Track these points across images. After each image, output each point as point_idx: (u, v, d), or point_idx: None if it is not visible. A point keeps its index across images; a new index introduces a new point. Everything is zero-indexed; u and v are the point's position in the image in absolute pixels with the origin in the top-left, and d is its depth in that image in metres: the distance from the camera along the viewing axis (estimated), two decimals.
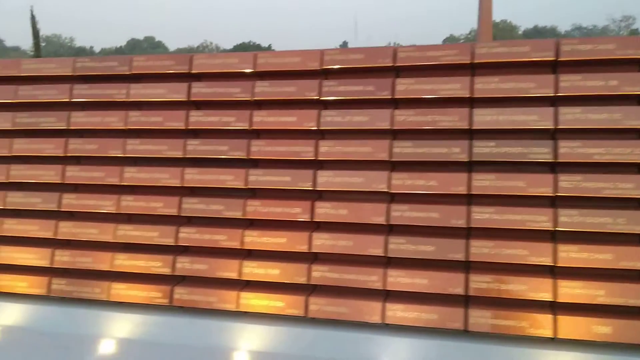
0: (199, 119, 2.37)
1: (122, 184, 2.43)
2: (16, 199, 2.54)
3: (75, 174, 2.49)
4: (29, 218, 2.52)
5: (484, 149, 2.07)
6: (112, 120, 2.47)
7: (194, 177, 2.35)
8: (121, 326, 2.31)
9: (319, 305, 2.14)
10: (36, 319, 2.41)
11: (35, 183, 2.55)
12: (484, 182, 2.06)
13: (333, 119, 2.22)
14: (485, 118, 2.07)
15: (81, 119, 2.51)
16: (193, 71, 2.41)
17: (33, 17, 17.95)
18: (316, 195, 2.27)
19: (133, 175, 2.41)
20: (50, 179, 2.51)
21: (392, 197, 2.20)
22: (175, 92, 2.41)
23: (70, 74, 2.56)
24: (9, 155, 2.58)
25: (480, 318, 2.00)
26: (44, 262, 2.46)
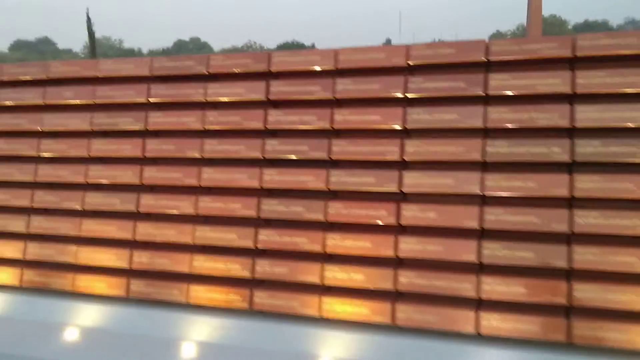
0: (278, 118, 2.30)
1: (200, 185, 2.38)
2: (95, 200, 2.53)
3: (153, 174, 2.45)
4: (107, 219, 2.51)
5: (588, 149, 1.91)
6: (190, 120, 2.43)
7: (273, 178, 2.27)
8: (200, 329, 2.25)
9: (407, 313, 2.03)
10: (115, 320, 2.38)
11: (113, 184, 2.53)
12: (587, 184, 1.90)
13: (420, 117, 2.10)
14: (589, 115, 1.91)
15: (158, 120, 2.48)
16: (272, 69, 2.33)
17: (89, 19, 18.35)
18: (401, 198, 2.15)
19: (211, 176, 2.36)
20: (128, 180, 2.49)
21: (482, 200, 2.06)
22: (253, 91, 2.35)
23: (147, 74, 2.53)
24: (88, 156, 2.57)
25: (586, 330, 1.84)
26: (122, 264, 2.44)
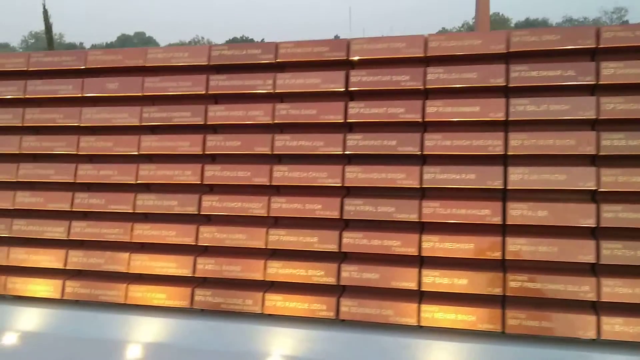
0: (360, 111, 2.06)
1: (272, 184, 2.12)
2: (148, 202, 2.24)
3: (217, 173, 2.18)
4: (164, 222, 2.22)
5: None
6: (257, 114, 2.16)
7: (357, 175, 2.04)
8: (281, 342, 2.01)
9: (519, 320, 1.84)
10: (180, 335, 2.11)
11: (169, 184, 2.25)
12: None
13: (525, 108, 1.90)
14: None
15: (220, 114, 2.20)
16: (352, 58, 2.09)
17: (45, 11, 17.32)
18: (502, 195, 1.95)
19: (284, 174, 2.11)
20: (186, 180, 2.21)
21: (593, 196, 1.88)
22: (330, 81, 2.10)
23: (204, 63, 2.25)
24: (138, 154, 2.28)
25: None
26: (184, 271, 2.16)
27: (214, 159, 2.27)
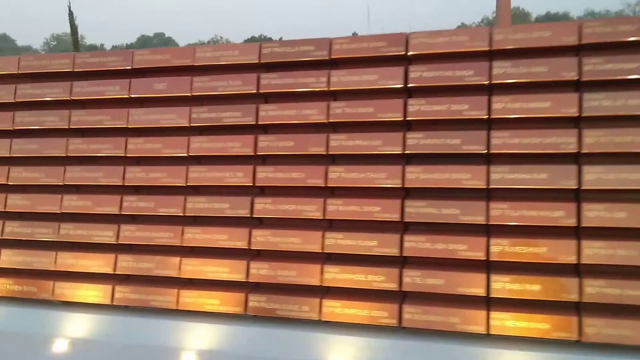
0: (421, 108, 1.95)
1: (328, 185, 2.02)
2: (199, 205, 2.17)
3: (269, 175, 2.10)
4: (215, 226, 2.14)
5: None
6: (311, 113, 2.07)
7: (418, 176, 1.93)
8: (341, 350, 1.92)
9: (597, 328, 1.72)
10: (234, 342, 2.03)
11: (220, 186, 2.17)
12: None
13: (600, 103, 1.79)
14: None
15: (272, 113, 2.12)
16: (410, 53, 1.99)
17: (71, 13, 17.42)
18: (576, 195, 1.84)
19: (340, 175, 2.01)
20: (237, 182, 2.13)
21: None
22: (388, 77, 2.00)
23: (255, 61, 2.16)
24: (187, 155, 2.20)
25: None
26: (238, 276, 2.08)
27: (264, 160, 2.19)
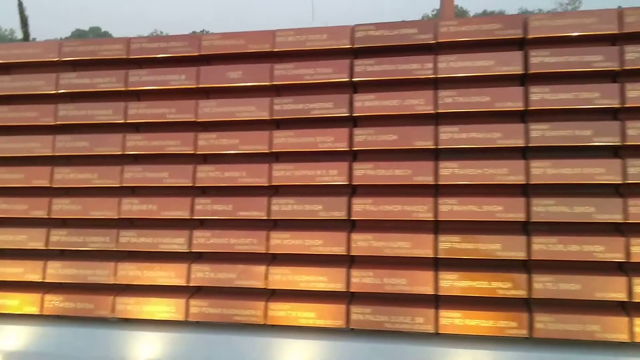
0: (544, 97, 1.74)
1: (438, 183, 1.78)
2: (286, 207, 1.89)
3: (369, 172, 1.84)
4: (307, 230, 1.87)
5: None
6: (416, 102, 1.82)
7: (545, 171, 1.72)
8: None
9: None
10: (337, 356, 1.76)
11: (310, 186, 1.90)
12: None
13: None
14: None
15: (369, 104, 1.86)
16: (529, 36, 1.76)
17: (20, 4, 16.44)
18: None
19: (453, 172, 1.78)
20: (331, 180, 1.87)
21: None
22: (505, 63, 1.77)
23: (346, 46, 1.90)
24: (269, 152, 1.92)
25: None
26: (337, 286, 1.82)
27: (355, 156, 1.92)
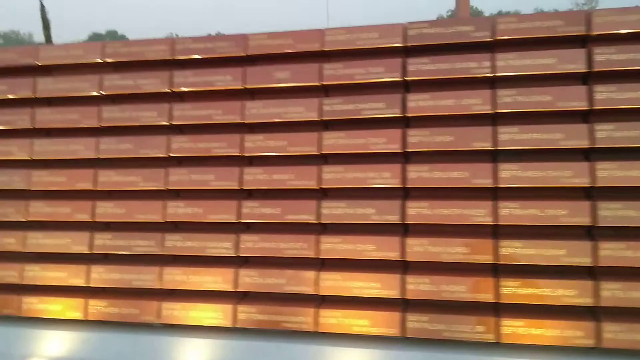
0: (611, 96, 1.65)
1: (498, 185, 1.70)
2: (337, 210, 1.83)
3: (424, 175, 1.77)
4: (359, 234, 1.81)
5: None
6: (473, 102, 1.75)
7: (613, 173, 1.63)
8: None
9: None
10: None
11: (361, 189, 1.83)
12: None
13: None
14: None
15: (423, 104, 1.79)
16: (593, 33, 1.68)
17: (42, 7, 16.56)
18: None
19: (514, 174, 1.70)
20: (383, 183, 1.80)
21: None
22: (569, 61, 1.69)
23: (399, 45, 1.83)
24: (318, 154, 1.86)
25: None
26: (392, 292, 1.75)
27: (407, 157, 1.86)
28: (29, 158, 2.10)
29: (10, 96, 2.14)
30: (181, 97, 2.07)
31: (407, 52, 1.89)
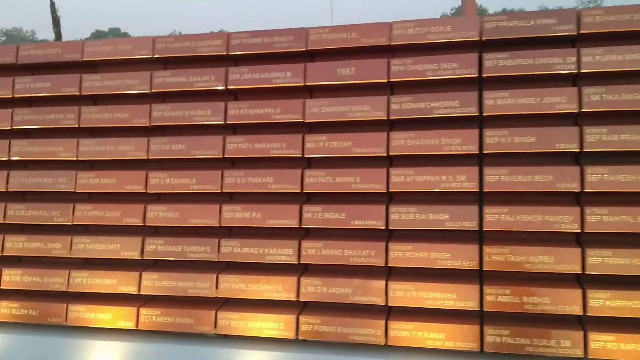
0: None
1: (584, 190, 1.58)
2: (407, 215, 1.71)
3: (503, 178, 1.65)
4: (433, 242, 1.69)
5: None
6: (557, 101, 1.62)
7: None
8: None
9: None
10: None
11: (433, 193, 1.71)
12: None
13: None
14: None
15: (502, 102, 1.67)
16: None
17: (53, 4, 16.48)
18: None
19: (603, 177, 1.58)
20: (458, 187, 1.68)
21: None
22: None
23: (474, 39, 1.70)
24: (386, 155, 1.74)
25: None
26: (469, 304, 1.63)
27: (483, 159, 1.73)
28: (75, 159, 1.99)
29: (55, 94, 2.02)
30: (234, 95, 1.95)
31: (481, 47, 1.76)
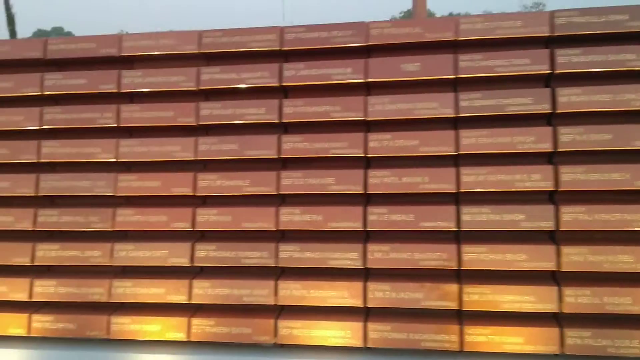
0: None
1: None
2: (479, 216, 1.65)
3: (578, 177, 1.60)
4: (507, 243, 1.62)
5: None
6: (633, 97, 1.58)
7: None
8: None
9: None
10: None
11: (507, 192, 1.65)
12: None
13: None
14: None
15: (576, 99, 1.63)
16: None
17: (7, 2, 15.95)
18: None
19: None
20: (533, 187, 1.62)
21: None
22: None
23: (544, 34, 1.65)
24: (455, 153, 1.67)
25: None
26: (547, 307, 1.57)
27: (551, 157, 1.68)
28: (115, 160, 1.84)
29: (91, 91, 1.87)
30: (285, 92, 1.84)
31: (548, 42, 1.71)
